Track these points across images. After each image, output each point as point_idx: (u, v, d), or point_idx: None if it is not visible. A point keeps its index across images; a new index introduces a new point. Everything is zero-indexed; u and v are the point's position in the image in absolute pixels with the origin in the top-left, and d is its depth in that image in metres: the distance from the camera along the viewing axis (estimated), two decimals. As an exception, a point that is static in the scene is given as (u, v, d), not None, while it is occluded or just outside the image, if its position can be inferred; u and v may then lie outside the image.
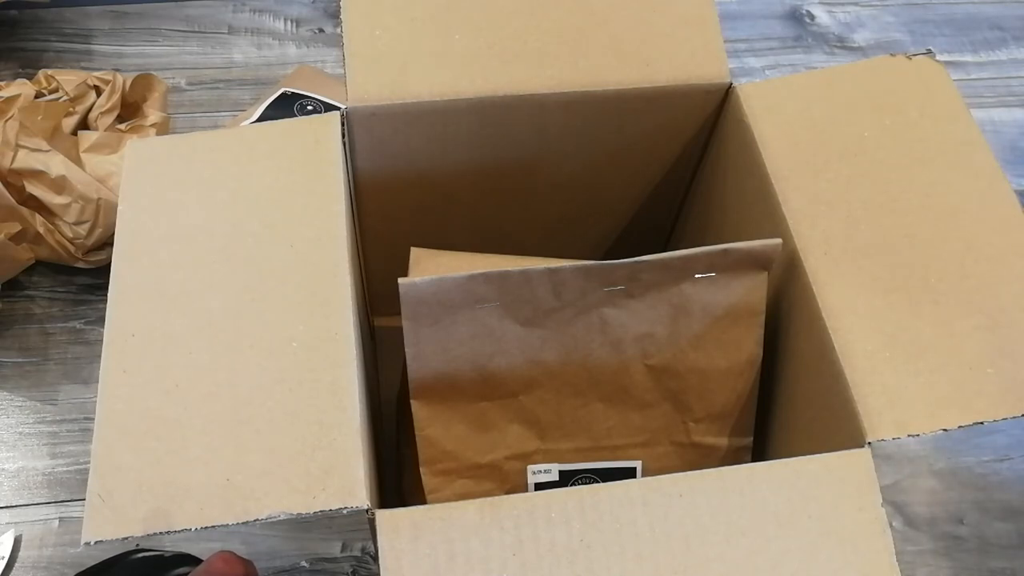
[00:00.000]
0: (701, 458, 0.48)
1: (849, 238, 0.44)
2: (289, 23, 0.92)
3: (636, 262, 0.42)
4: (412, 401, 0.44)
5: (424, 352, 0.43)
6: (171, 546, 0.61)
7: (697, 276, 0.44)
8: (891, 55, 0.50)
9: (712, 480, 0.38)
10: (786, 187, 0.46)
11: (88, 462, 0.37)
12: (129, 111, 0.78)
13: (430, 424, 0.45)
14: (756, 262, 0.44)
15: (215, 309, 0.40)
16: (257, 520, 0.35)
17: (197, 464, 0.37)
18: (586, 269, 0.42)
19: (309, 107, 0.75)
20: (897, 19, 0.98)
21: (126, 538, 0.35)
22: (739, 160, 0.50)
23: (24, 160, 0.67)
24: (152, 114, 0.78)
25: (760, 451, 0.50)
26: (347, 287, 0.41)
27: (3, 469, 0.65)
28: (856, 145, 0.47)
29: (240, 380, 0.39)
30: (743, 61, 0.93)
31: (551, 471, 0.48)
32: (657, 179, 0.59)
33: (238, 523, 0.35)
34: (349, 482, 0.36)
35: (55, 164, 0.67)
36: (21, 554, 0.62)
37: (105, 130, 0.73)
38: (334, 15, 0.93)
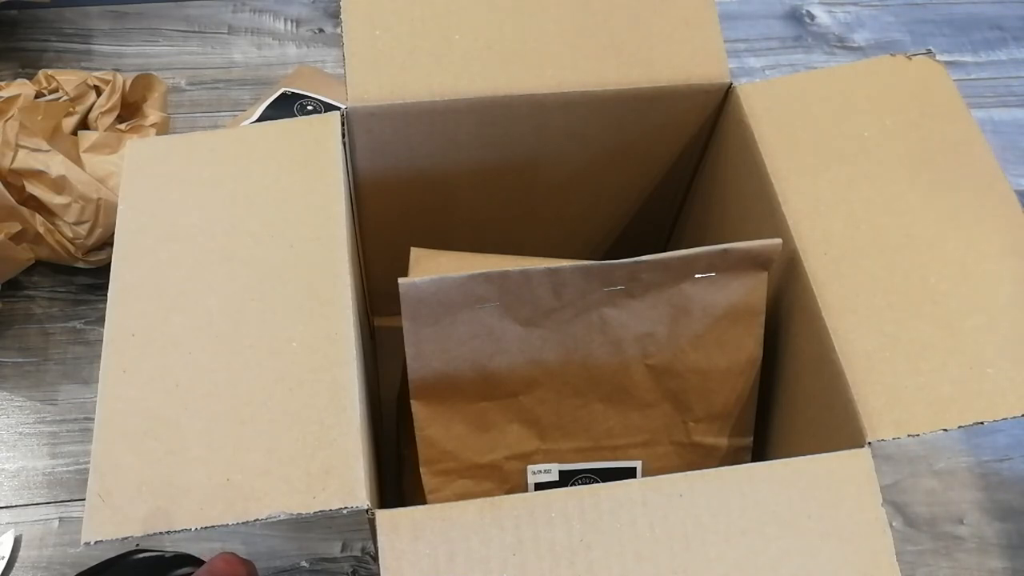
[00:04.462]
0: (701, 458, 0.48)
1: (849, 238, 0.44)
2: (289, 23, 0.92)
3: (636, 262, 0.42)
4: (412, 401, 0.44)
5: (424, 352, 0.43)
6: (171, 546, 0.61)
7: (697, 276, 0.44)
8: (891, 55, 0.50)
9: (712, 480, 0.38)
10: (786, 187, 0.46)
11: (88, 462, 0.37)
12: (129, 111, 0.78)
13: (430, 424, 0.45)
14: (756, 262, 0.44)
15: (215, 309, 0.40)
16: (257, 520, 0.35)
17: (197, 464, 0.36)
18: (586, 269, 0.42)
19: (309, 107, 0.75)
20: (897, 19, 0.98)
21: (126, 538, 0.35)
22: (739, 160, 0.50)
23: (24, 160, 0.67)
24: (152, 114, 0.78)
25: (760, 451, 0.50)
26: (347, 287, 0.41)
27: (3, 469, 0.65)
28: (856, 145, 0.47)
29: (240, 380, 0.39)
30: (743, 61, 0.93)
31: (551, 471, 0.48)
32: (657, 179, 0.59)
33: (238, 523, 0.35)
34: (349, 482, 0.36)
35: (55, 164, 0.67)
36: (21, 554, 0.62)
37: (105, 130, 0.73)
38: (334, 15, 0.93)
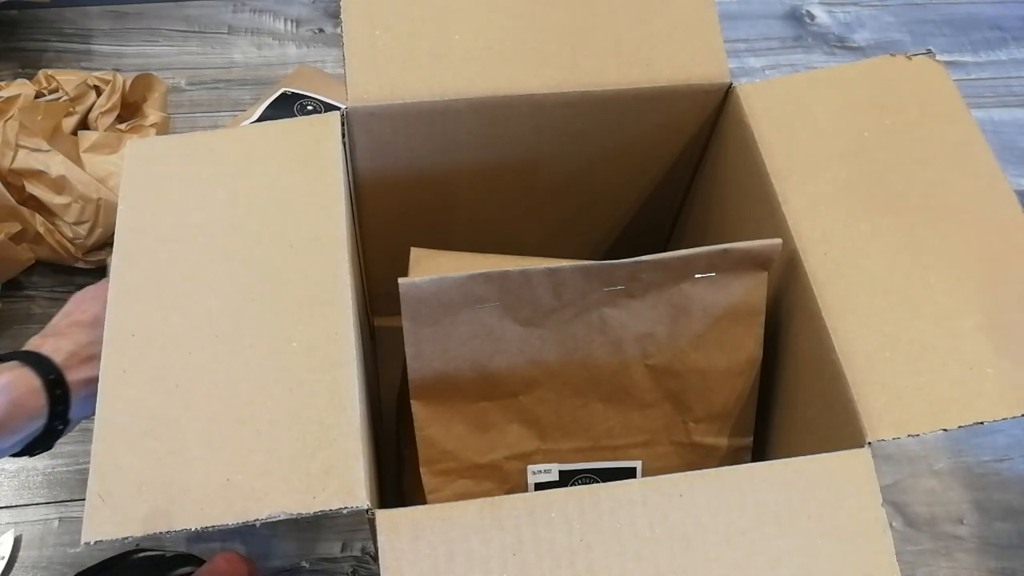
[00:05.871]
0: (701, 458, 0.48)
1: (849, 238, 0.44)
2: (289, 23, 0.92)
3: (636, 262, 0.42)
4: (412, 401, 0.44)
5: (424, 352, 0.43)
6: (171, 546, 0.61)
7: (697, 276, 0.44)
8: (891, 55, 0.50)
9: (712, 480, 0.38)
10: (786, 187, 0.46)
11: (88, 462, 0.37)
12: (129, 111, 0.78)
13: (430, 424, 0.45)
14: (756, 262, 0.44)
15: (215, 309, 0.40)
16: (257, 520, 0.35)
17: (197, 464, 0.37)
18: (586, 269, 0.42)
19: (309, 107, 0.75)
20: (897, 19, 0.98)
21: (126, 538, 0.35)
22: (739, 160, 0.50)
23: (24, 160, 0.67)
24: (152, 114, 0.78)
25: (760, 451, 0.50)
26: (347, 287, 0.41)
27: (3, 469, 0.65)
28: (856, 145, 0.47)
29: (240, 380, 0.39)
30: (743, 61, 0.93)
31: (551, 471, 0.48)
32: (657, 179, 0.59)
33: (238, 523, 0.35)
34: (349, 482, 0.36)
35: (55, 164, 0.67)
36: (21, 554, 0.62)
37: (105, 130, 0.73)
38: (334, 15, 0.93)
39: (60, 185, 0.68)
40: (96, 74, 0.76)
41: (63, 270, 0.74)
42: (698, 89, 0.50)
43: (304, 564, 0.62)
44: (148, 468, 0.36)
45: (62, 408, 0.47)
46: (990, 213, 0.45)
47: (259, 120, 0.74)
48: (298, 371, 0.39)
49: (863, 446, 0.38)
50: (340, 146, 0.46)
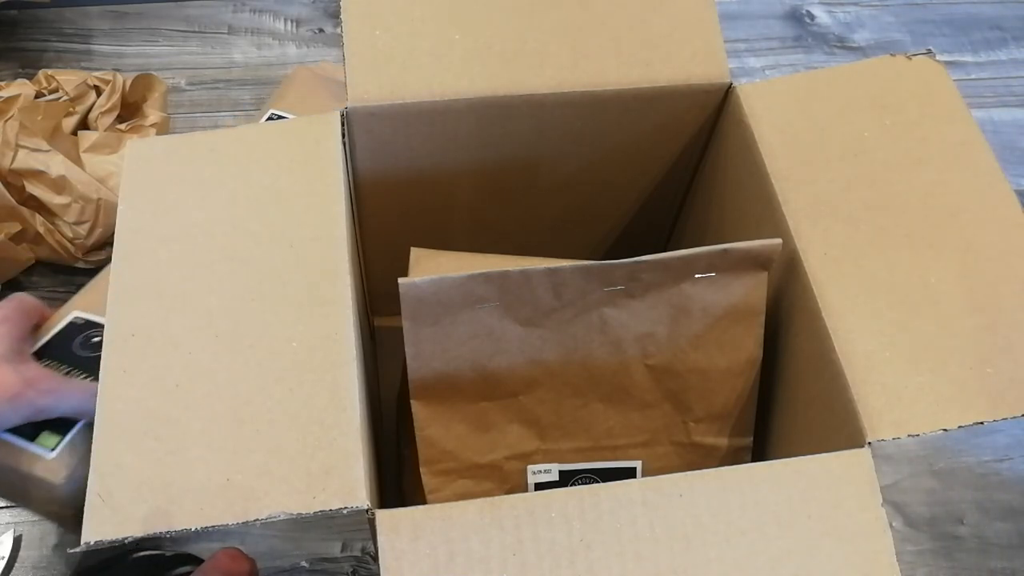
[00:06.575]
0: (701, 458, 0.48)
1: (849, 238, 0.44)
2: (289, 23, 0.92)
3: (636, 262, 0.42)
4: (412, 401, 0.44)
5: (424, 352, 0.43)
6: (171, 545, 0.61)
7: (697, 276, 0.44)
8: (891, 55, 0.50)
9: (712, 480, 0.38)
10: (786, 187, 0.46)
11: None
12: (129, 111, 0.78)
13: (430, 424, 0.45)
14: (756, 262, 0.44)
15: (215, 309, 0.40)
16: (257, 520, 0.35)
17: (197, 464, 0.36)
18: (586, 269, 0.42)
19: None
20: (897, 19, 0.98)
21: (126, 538, 0.35)
22: (739, 160, 0.50)
23: (24, 160, 0.67)
24: (152, 114, 0.78)
25: (760, 451, 0.50)
26: (347, 287, 0.41)
27: (3, 469, 0.65)
28: (856, 145, 0.47)
29: (240, 380, 0.39)
30: (743, 61, 0.93)
31: (551, 471, 0.48)
32: (657, 179, 0.59)
33: (238, 523, 0.35)
34: (349, 482, 0.36)
35: (55, 164, 0.67)
36: (21, 554, 0.62)
37: (105, 130, 0.73)
38: (334, 15, 0.93)
39: (60, 185, 0.68)
40: (96, 74, 0.76)
41: (63, 270, 0.74)
42: (698, 89, 0.50)
43: (304, 564, 0.62)
44: (148, 468, 0.36)
45: None
46: (990, 213, 0.45)
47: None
48: (298, 371, 0.39)
49: (863, 446, 0.38)
50: (340, 146, 0.46)
